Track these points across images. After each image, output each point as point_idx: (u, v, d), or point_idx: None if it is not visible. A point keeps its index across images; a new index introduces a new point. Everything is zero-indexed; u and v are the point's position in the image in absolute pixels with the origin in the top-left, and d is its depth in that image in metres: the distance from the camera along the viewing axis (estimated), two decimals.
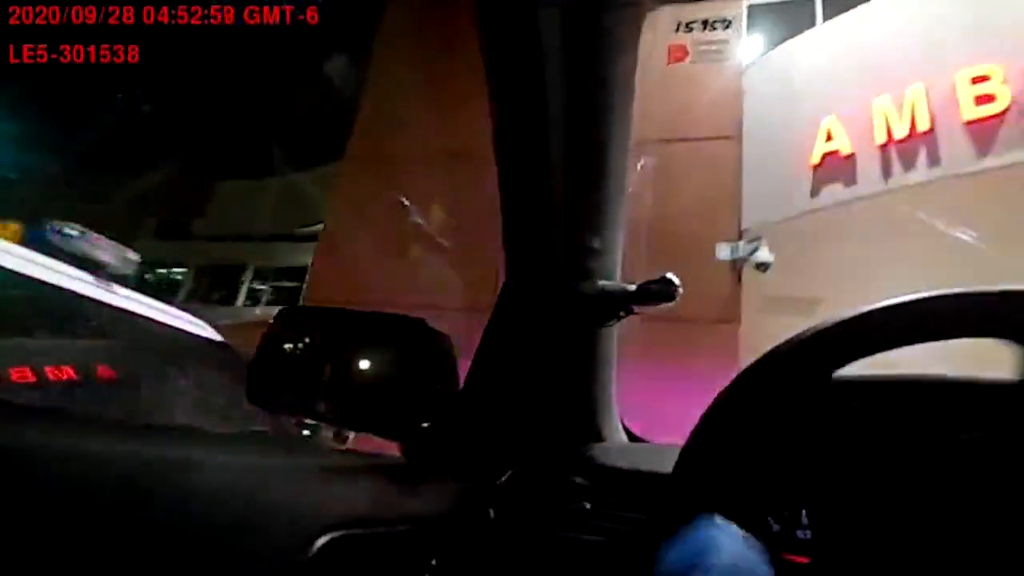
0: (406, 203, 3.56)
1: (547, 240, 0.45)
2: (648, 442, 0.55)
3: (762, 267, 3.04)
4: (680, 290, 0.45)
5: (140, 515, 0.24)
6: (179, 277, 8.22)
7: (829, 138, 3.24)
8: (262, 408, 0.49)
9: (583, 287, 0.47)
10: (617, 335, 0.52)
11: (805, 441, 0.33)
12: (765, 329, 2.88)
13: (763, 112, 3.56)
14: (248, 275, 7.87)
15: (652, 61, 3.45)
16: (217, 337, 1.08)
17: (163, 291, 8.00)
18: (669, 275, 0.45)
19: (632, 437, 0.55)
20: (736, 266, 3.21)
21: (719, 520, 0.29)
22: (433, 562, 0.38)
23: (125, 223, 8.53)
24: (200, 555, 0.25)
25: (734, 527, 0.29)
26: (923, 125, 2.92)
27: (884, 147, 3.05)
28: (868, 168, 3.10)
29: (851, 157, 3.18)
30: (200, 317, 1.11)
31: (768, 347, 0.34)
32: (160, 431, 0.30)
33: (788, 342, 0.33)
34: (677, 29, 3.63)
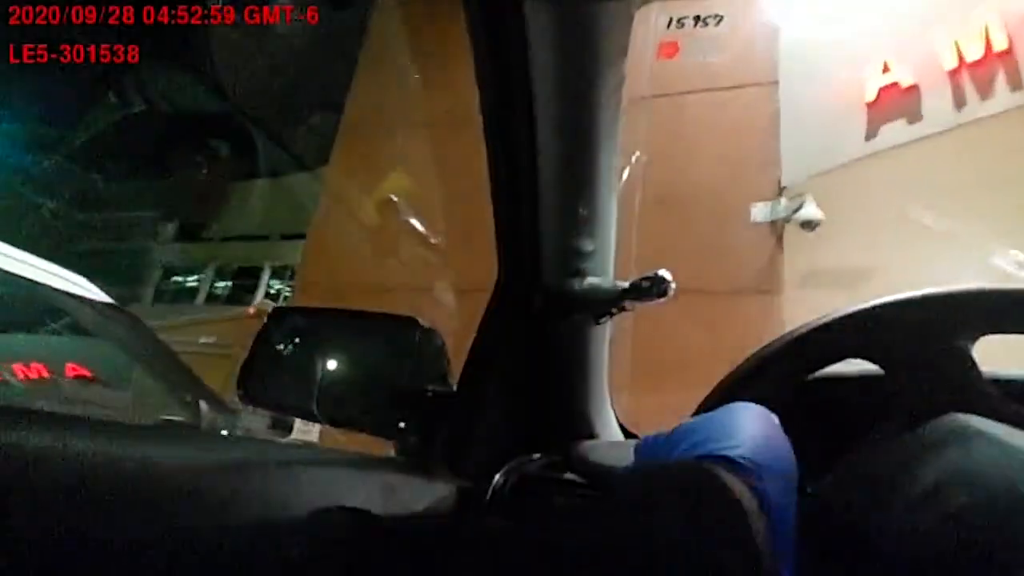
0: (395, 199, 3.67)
1: (539, 239, 0.47)
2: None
3: (808, 226, 2.87)
4: (673, 286, 0.46)
5: (133, 518, 0.25)
6: (200, 278, 8.78)
7: (886, 70, 2.93)
8: (254, 406, 0.55)
9: (575, 285, 0.49)
10: (611, 333, 0.54)
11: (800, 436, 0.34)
12: (810, 300, 2.74)
13: (802, 49, 3.29)
14: (265, 275, 8.30)
15: (641, 57, 3.41)
16: (108, 299, 1.06)
17: (182, 294, 8.59)
18: (661, 272, 0.47)
19: (627, 434, 0.57)
20: (776, 229, 3.06)
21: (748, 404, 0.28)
22: (425, 562, 0.42)
23: (144, 228, 9.13)
24: (191, 555, 0.27)
25: (764, 409, 0.27)
26: (1000, 45, 2.59)
27: (955, 73, 2.74)
28: (936, 100, 2.79)
29: (914, 89, 2.87)
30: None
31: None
32: (140, 429, 0.34)
33: (775, 342, 0.34)
34: (668, 25, 3.64)
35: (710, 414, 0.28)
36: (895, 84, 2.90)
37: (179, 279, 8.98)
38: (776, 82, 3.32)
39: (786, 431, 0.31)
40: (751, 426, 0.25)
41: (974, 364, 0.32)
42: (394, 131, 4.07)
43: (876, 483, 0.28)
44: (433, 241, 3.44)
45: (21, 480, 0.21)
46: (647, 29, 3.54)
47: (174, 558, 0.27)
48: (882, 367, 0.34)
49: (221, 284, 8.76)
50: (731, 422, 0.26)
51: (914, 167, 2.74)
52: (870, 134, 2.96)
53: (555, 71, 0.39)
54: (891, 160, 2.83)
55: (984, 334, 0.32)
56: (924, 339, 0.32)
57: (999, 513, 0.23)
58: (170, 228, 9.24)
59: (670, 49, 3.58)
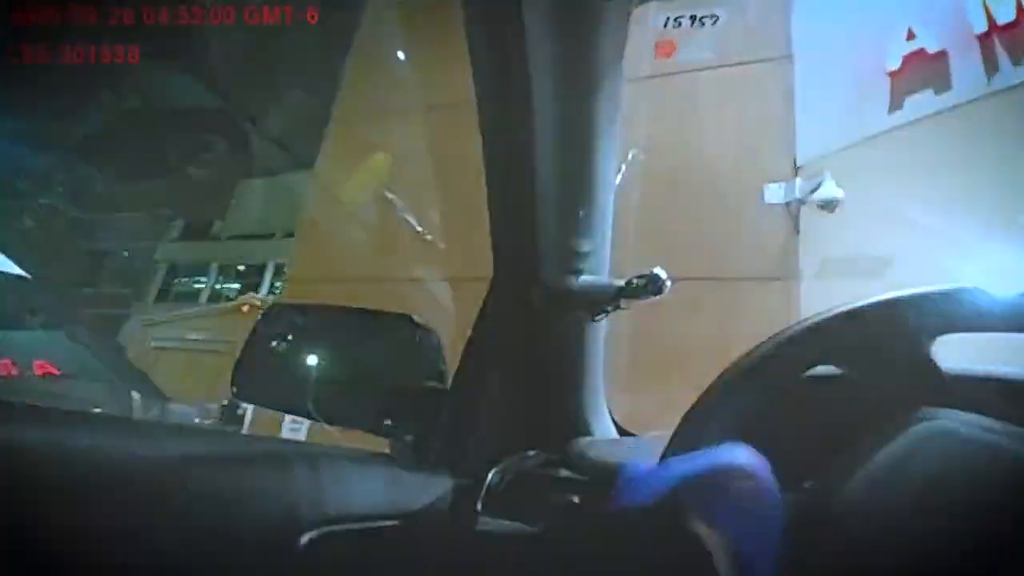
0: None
1: (535, 237, 0.48)
2: (636, 435, 0.58)
3: (827, 207, 2.80)
4: (668, 283, 0.47)
5: (130, 511, 0.26)
6: (204, 277, 8.98)
7: (911, 36, 2.83)
8: (248, 402, 0.56)
9: (571, 283, 0.50)
10: (606, 331, 0.55)
11: (795, 435, 0.35)
12: (830, 288, 2.67)
13: (819, 18, 3.18)
14: (268, 273, 8.45)
15: (640, 56, 3.41)
16: (21, 272, 1.07)
17: (186, 293, 8.81)
18: (656, 270, 0.48)
19: (621, 431, 0.58)
20: (791, 211, 3.00)
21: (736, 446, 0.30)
22: (421, 557, 0.43)
23: (152, 227, 9.35)
24: (190, 550, 0.28)
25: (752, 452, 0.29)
26: None
27: (986, 37, 2.64)
28: (966, 66, 2.68)
29: (942, 56, 2.77)
30: None
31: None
32: (140, 427, 0.35)
33: (771, 339, 0.35)
34: (665, 25, 3.67)
35: (700, 457, 0.30)
36: (921, 51, 2.79)
37: (183, 279, 9.20)
38: (790, 56, 3.23)
39: (779, 431, 0.31)
40: (732, 471, 0.27)
41: (934, 362, 0.33)
42: (384, 123, 4.09)
43: (868, 484, 0.29)
44: (428, 238, 3.46)
45: (21, 480, 0.23)
46: (645, 29, 3.58)
47: (172, 556, 0.28)
48: (847, 371, 0.35)
49: (226, 285, 8.95)
50: (716, 467, 0.28)
51: (943, 140, 2.65)
52: (894, 106, 2.86)
53: (553, 70, 0.40)
54: (917, 133, 2.73)
55: (941, 334, 0.33)
56: (885, 341, 0.33)
57: (993, 513, 0.24)
58: (174, 227, 9.45)
59: (667, 48, 3.62)
